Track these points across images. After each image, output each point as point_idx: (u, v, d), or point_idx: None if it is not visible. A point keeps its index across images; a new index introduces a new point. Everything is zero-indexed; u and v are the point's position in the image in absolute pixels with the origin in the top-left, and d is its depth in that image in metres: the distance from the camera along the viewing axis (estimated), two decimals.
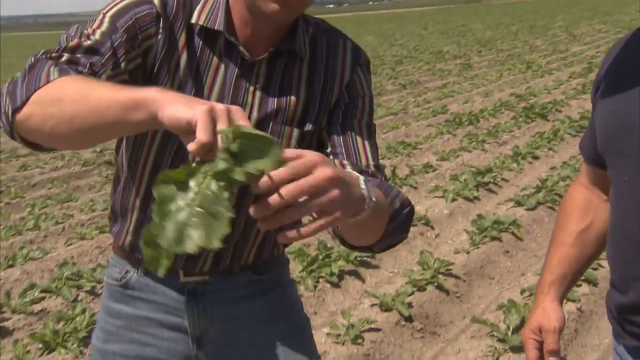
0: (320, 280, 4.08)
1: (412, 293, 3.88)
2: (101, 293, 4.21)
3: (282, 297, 1.64)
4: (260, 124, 1.39)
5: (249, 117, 1.37)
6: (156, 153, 1.42)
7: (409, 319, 3.66)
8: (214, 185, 0.86)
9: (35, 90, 1.12)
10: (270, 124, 1.40)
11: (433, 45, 21.58)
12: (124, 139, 1.48)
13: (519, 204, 5.31)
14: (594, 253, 1.54)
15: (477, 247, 4.53)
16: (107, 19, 1.30)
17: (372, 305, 3.82)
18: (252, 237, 1.50)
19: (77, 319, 3.67)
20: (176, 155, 1.40)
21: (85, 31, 1.29)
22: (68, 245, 5.04)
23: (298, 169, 0.91)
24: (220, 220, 0.85)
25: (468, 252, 4.46)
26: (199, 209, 0.86)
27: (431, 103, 10.47)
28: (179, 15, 1.35)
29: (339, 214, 0.96)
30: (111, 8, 1.33)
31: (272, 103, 1.40)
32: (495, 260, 4.43)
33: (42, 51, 1.26)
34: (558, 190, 5.49)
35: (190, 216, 0.86)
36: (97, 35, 1.28)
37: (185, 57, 1.36)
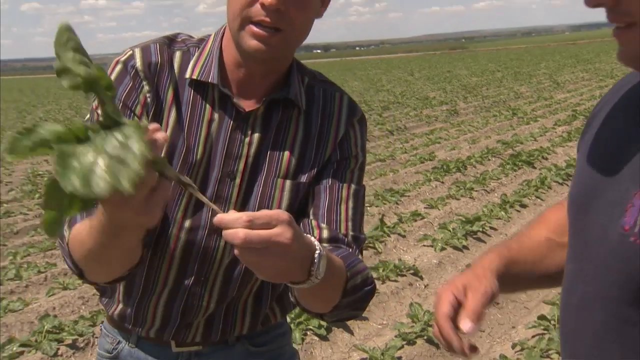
0: (308, 332, 4.00)
1: (402, 347, 3.80)
2: (83, 347, 4.12)
3: None
4: (253, 175, 1.37)
5: (243, 169, 1.36)
6: None
7: None
8: (119, 135, 0.83)
9: (69, 255, 1.28)
10: (264, 175, 1.37)
11: (419, 91, 21.82)
12: None
13: None
14: (550, 275, 1.29)
15: None
16: None
17: (362, 359, 3.74)
18: (243, 298, 1.44)
19: None
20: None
21: None
22: (50, 295, 4.92)
23: (258, 223, 0.98)
24: (130, 164, 0.80)
25: None
26: (104, 155, 0.80)
27: (418, 149, 10.51)
28: (164, 72, 1.34)
29: (266, 275, 1.05)
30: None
31: (267, 154, 1.38)
32: (485, 312, 4.35)
33: None
34: None
35: (96, 163, 0.79)
36: None
37: (174, 114, 1.34)
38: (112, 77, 1.33)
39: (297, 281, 1.10)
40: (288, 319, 4.03)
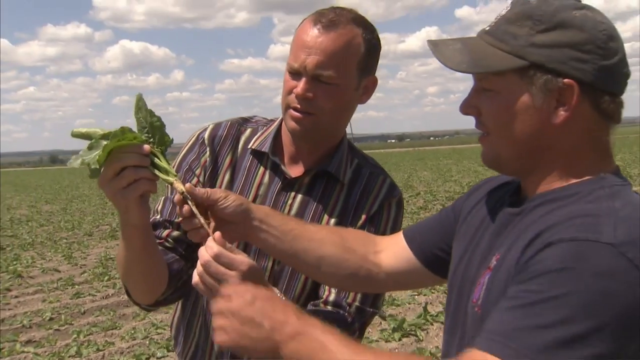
0: None
1: None
2: None
3: None
4: None
5: None
6: None
7: None
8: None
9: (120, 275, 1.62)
10: (313, 223, 1.62)
11: None
12: None
13: None
14: (294, 251, 1.46)
15: None
16: None
17: None
18: None
19: None
20: None
21: (157, 207, 1.69)
22: None
23: (221, 260, 1.29)
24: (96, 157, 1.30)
25: None
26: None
27: None
28: (227, 143, 1.71)
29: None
30: (176, 160, 1.72)
31: (307, 218, 1.66)
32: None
33: None
34: None
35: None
36: (160, 205, 1.67)
37: (228, 176, 1.69)
38: (189, 143, 1.73)
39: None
40: None
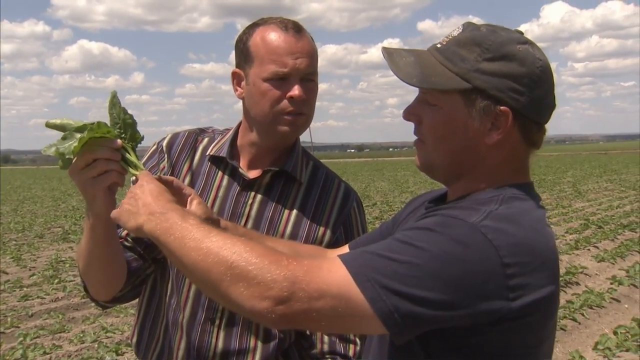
0: None
1: None
2: None
3: None
4: None
5: (244, 225, 1.69)
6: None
7: None
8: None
9: (79, 269, 1.67)
10: (264, 235, 1.67)
11: None
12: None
13: None
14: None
15: None
16: None
17: None
18: (250, 346, 1.69)
19: None
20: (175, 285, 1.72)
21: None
22: None
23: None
24: (72, 147, 1.38)
25: None
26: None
27: None
28: (184, 151, 1.78)
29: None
30: None
31: (267, 217, 1.72)
32: None
33: None
34: None
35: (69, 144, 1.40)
36: None
37: (188, 181, 1.74)
38: (150, 151, 1.80)
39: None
40: None
